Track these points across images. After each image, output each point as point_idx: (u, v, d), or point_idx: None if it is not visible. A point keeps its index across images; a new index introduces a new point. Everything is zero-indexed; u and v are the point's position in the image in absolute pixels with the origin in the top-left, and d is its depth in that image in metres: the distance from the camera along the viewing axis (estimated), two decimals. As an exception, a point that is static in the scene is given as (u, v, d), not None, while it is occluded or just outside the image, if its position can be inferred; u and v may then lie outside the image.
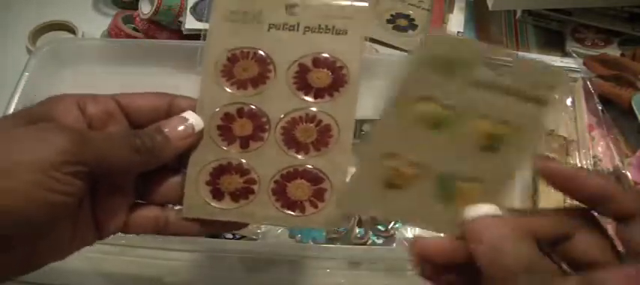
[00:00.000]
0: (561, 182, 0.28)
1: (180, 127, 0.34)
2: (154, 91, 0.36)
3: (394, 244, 0.54)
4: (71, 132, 0.29)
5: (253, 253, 0.54)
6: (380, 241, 0.54)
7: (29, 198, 0.27)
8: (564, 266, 0.28)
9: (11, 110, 0.53)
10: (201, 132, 0.35)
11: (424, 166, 0.29)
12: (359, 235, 0.54)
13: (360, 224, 0.54)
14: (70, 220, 0.32)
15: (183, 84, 0.64)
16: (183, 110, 0.35)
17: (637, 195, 0.28)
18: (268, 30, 0.34)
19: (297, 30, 0.34)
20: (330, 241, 0.54)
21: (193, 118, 0.34)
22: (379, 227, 0.55)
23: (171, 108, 0.35)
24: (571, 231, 0.28)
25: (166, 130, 0.33)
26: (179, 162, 0.35)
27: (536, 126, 0.29)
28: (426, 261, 0.28)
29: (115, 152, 0.31)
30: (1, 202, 0.27)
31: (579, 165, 0.57)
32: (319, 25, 0.33)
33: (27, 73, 0.55)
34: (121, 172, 0.34)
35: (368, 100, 0.65)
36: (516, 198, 0.56)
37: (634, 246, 0.26)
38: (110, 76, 0.62)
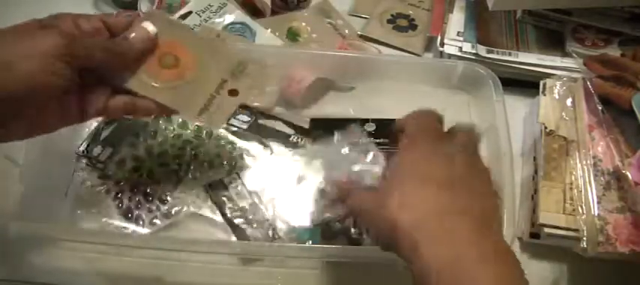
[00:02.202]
0: None
1: (140, 34, 0.47)
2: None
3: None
4: (66, 34, 0.42)
5: (249, 253, 0.54)
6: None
7: (36, 75, 0.39)
8: None
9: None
10: (156, 36, 0.48)
11: None
12: (355, 236, 0.54)
13: (355, 225, 0.54)
14: (59, 101, 0.44)
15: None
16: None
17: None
18: None
19: None
20: (326, 241, 0.54)
21: (150, 27, 0.48)
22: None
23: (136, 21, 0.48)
24: None
25: (132, 35, 0.47)
26: None
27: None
28: None
29: (95, 51, 0.43)
30: (19, 76, 0.39)
31: (579, 165, 0.57)
32: None
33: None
34: (101, 66, 0.45)
35: (369, 100, 0.66)
36: (516, 197, 0.56)
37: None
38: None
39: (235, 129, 0.62)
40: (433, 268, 0.34)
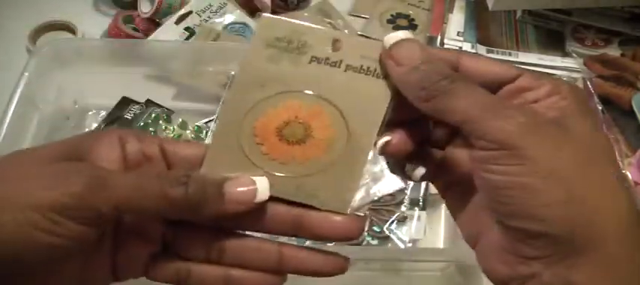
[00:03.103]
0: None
1: (242, 188, 0.28)
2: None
3: (389, 245, 0.54)
4: (92, 176, 0.27)
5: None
6: (375, 242, 0.54)
7: (16, 235, 0.26)
8: None
9: (11, 111, 0.53)
10: (261, 204, 0.29)
11: None
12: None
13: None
14: (77, 262, 0.29)
15: (184, 84, 0.65)
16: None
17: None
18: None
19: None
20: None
21: (261, 186, 0.29)
22: (374, 229, 0.55)
23: None
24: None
25: (228, 189, 0.28)
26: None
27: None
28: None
29: (142, 201, 0.27)
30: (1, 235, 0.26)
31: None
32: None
33: (27, 74, 0.55)
34: (148, 219, 0.31)
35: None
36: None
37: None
38: (110, 76, 0.62)
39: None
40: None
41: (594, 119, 0.27)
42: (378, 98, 0.29)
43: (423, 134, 0.30)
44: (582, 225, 0.25)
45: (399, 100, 0.28)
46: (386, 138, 0.29)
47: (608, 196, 0.26)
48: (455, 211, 0.31)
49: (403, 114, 0.29)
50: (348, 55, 0.29)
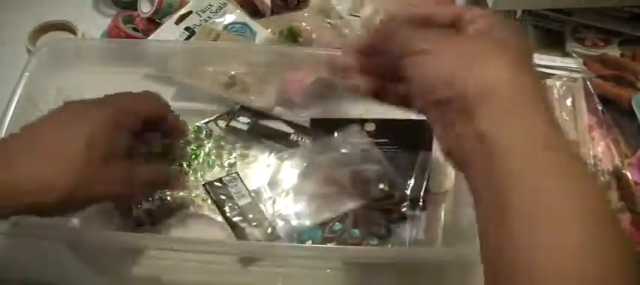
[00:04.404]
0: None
1: None
2: None
3: (389, 245, 0.54)
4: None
5: (249, 253, 0.54)
6: (374, 242, 0.54)
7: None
8: None
9: (11, 111, 0.53)
10: None
11: None
12: (355, 236, 0.54)
13: (355, 225, 0.54)
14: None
15: (184, 84, 0.65)
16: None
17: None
18: None
19: None
20: (326, 241, 0.54)
21: None
22: (374, 229, 0.55)
23: None
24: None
25: None
26: None
27: None
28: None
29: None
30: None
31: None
32: None
33: (27, 73, 0.55)
34: None
35: (369, 100, 0.66)
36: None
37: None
38: (110, 76, 0.62)
39: (237, 129, 0.62)
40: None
41: (508, 34, 0.36)
42: None
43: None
44: (472, 84, 0.33)
45: None
46: None
47: (493, 64, 0.34)
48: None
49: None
50: None
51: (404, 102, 0.42)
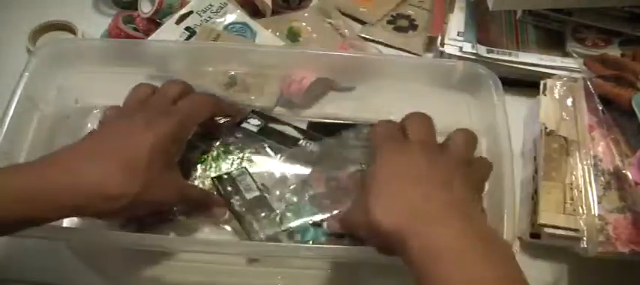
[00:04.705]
0: None
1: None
2: None
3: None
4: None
5: (251, 254, 0.54)
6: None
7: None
8: None
9: (12, 110, 0.53)
10: None
11: None
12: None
13: None
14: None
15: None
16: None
17: None
18: None
19: None
20: (329, 241, 0.54)
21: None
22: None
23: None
24: None
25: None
26: None
27: None
28: None
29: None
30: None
31: (579, 165, 0.57)
32: None
33: (27, 73, 0.55)
34: None
35: (369, 100, 0.66)
36: (516, 197, 0.56)
37: None
38: (110, 77, 0.62)
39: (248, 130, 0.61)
40: (428, 255, 0.37)
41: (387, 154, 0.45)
42: None
43: None
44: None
45: None
46: None
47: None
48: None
49: None
50: None
51: None
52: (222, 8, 0.70)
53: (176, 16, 0.69)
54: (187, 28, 0.68)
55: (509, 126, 0.56)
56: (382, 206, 0.40)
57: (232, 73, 0.63)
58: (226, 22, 0.70)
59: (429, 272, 0.36)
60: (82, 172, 0.43)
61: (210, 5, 0.70)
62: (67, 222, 0.53)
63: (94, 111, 0.64)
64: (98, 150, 0.46)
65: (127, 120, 0.49)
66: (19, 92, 0.54)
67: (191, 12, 0.69)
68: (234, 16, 0.70)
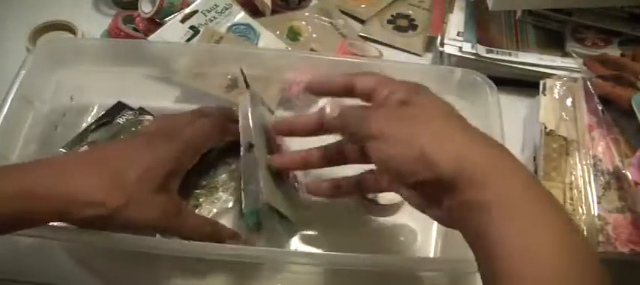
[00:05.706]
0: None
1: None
2: None
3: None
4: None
5: (246, 258, 0.54)
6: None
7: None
8: None
9: (5, 109, 0.52)
10: None
11: None
12: None
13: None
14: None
15: (185, 86, 0.65)
16: None
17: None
18: None
19: None
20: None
21: None
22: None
23: None
24: None
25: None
26: None
27: None
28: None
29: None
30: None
31: (579, 165, 0.57)
32: None
33: (23, 72, 0.54)
34: None
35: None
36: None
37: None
38: (110, 76, 0.62)
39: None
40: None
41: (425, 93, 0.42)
42: None
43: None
44: (446, 163, 0.35)
45: None
46: None
47: (453, 136, 0.37)
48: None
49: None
50: None
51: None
52: (227, 9, 0.70)
53: (181, 14, 0.69)
54: (192, 27, 0.68)
55: (504, 131, 0.55)
56: (437, 144, 0.36)
57: (230, 76, 0.63)
58: (230, 23, 0.70)
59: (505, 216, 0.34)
60: (71, 176, 0.43)
61: (216, 5, 0.70)
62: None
63: (90, 109, 0.64)
64: (94, 159, 0.46)
65: (132, 138, 0.50)
66: (13, 91, 0.54)
67: (196, 11, 0.69)
68: (238, 17, 0.70)
